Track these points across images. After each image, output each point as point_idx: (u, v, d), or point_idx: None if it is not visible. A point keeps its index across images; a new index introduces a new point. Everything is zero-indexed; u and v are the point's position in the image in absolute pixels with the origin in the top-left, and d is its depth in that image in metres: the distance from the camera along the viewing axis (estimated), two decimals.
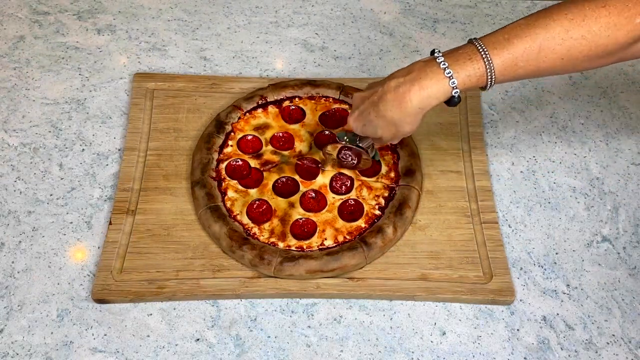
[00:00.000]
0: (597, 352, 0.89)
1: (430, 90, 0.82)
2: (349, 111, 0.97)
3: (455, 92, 0.82)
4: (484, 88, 0.83)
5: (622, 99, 1.15)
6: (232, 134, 1.06)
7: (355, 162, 1.00)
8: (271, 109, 1.09)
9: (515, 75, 0.82)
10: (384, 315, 0.92)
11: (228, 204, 0.99)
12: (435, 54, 0.83)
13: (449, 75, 0.81)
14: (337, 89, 1.11)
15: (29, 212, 1.00)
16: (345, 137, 0.96)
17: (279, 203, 0.99)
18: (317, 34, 1.24)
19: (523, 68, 0.81)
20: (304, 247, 0.95)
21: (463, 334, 0.91)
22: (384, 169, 1.03)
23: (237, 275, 0.94)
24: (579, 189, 1.04)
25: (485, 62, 0.80)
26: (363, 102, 0.89)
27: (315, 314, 0.92)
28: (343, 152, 1.00)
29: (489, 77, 0.81)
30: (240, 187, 1.01)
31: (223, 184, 1.01)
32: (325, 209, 0.99)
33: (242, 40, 1.23)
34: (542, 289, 0.95)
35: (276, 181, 1.01)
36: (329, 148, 1.01)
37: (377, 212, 0.98)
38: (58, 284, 0.94)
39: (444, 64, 0.81)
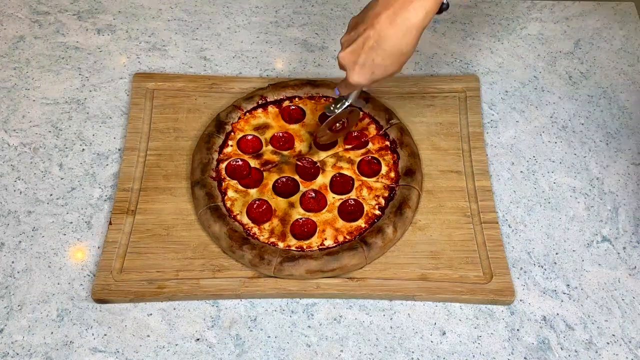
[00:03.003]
0: (597, 352, 0.89)
1: (427, 5, 0.81)
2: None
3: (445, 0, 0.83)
4: None
5: (622, 99, 1.15)
6: (232, 134, 1.06)
7: (346, 123, 1.02)
8: (271, 109, 1.09)
9: None
10: (384, 315, 0.92)
11: (228, 204, 0.99)
12: None
13: None
14: None
15: (29, 212, 1.00)
16: (332, 107, 0.97)
17: (279, 203, 0.99)
18: (317, 34, 1.24)
19: None
20: (304, 247, 0.95)
21: (463, 334, 0.91)
22: (384, 169, 1.03)
23: (237, 275, 0.94)
24: (579, 189, 1.04)
25: None
26: (357, 55, 0.86)
27: (315, 314, 0.92)
28: (335, 125, 1.01)
29: None
30: (240, 187, 1.01)
31: (223, 184, 1.01)
32: (325, 209, 0.99)
33: (242, 40, 1.23)
34: (542, 289, 0.95)
35: (276, 181, 1.01)
36: (321, 130, 1.01)
37: (377, 212, 0.98)
38: (58, 284, 0.94)
39: None
